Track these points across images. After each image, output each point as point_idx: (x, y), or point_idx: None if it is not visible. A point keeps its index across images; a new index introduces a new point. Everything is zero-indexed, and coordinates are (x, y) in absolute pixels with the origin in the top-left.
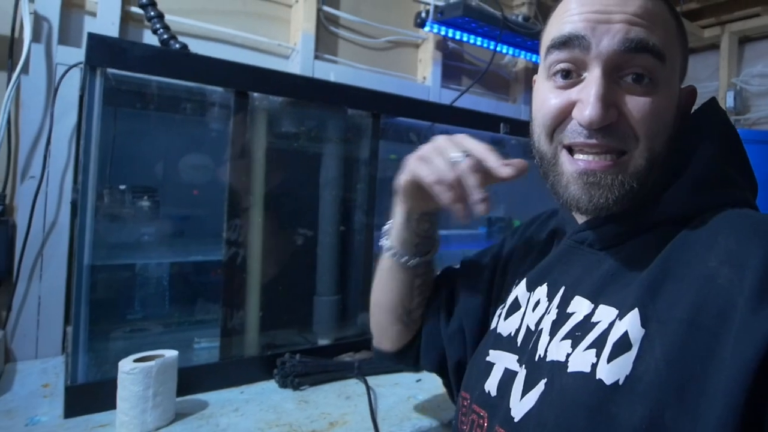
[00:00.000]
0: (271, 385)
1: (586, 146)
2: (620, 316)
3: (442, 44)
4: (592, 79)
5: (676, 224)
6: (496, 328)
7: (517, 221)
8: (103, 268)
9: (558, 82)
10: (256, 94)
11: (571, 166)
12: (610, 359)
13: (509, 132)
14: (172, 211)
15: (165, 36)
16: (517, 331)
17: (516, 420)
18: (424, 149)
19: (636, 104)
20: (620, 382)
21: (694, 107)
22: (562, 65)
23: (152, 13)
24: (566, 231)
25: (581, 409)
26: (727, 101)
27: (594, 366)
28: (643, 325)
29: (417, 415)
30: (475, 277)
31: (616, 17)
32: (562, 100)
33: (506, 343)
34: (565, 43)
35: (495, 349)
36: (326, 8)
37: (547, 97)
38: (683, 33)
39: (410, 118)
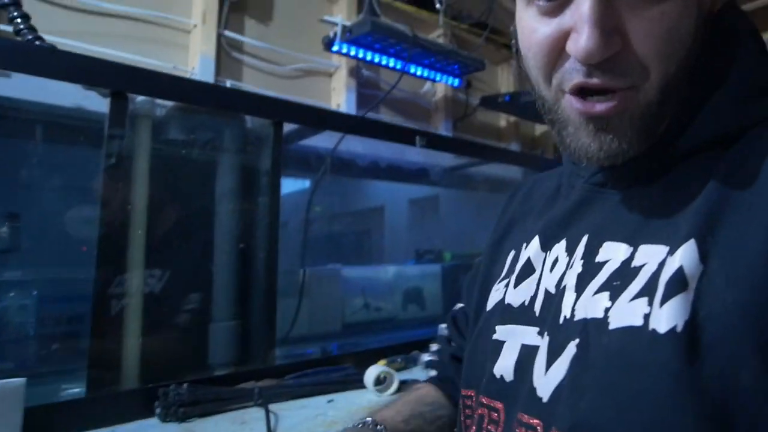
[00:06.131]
0: (152, 421)
1: (587, 87)
2: (671, 252)
3: (355, 71)
4: None
5: (720, 146)
6: (503, 299)
7: (448, 254)
8: None
9: (541, 5)
10: (138, 99)
11: (574, 111)
12: (663, 302)
13: (426, 145)
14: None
15: (29, 36)
16: (533, 298)
17: (545, 399)
18: None
19: (644, 25)
20: (678, 329)
21: None
22: None
23: (15, 13)
24: (576, 180)
25: (633, 371)
26: None
27: (647, 316)
28: (701, 260)
29: (324, 429)
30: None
31: None
32: (551, 31)
33: (519, 315)
34: None
35: (504, 323)
36: (228, 33)
37: (532, 28)
38: None
39: (318, 129)
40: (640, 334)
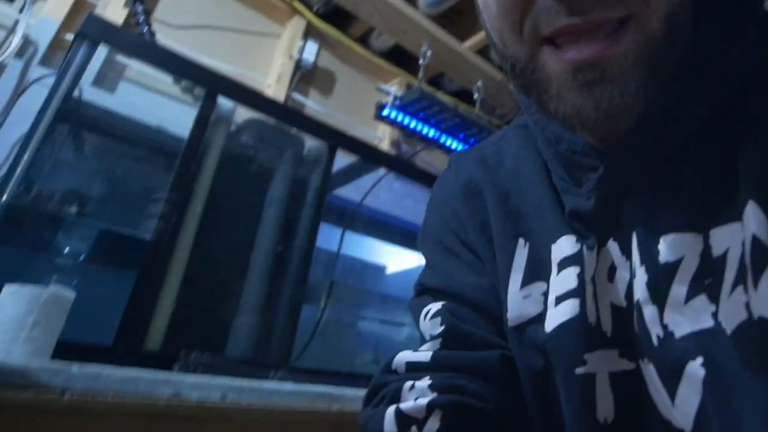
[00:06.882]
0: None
1: (569, 30)
2: (743, 225)
3: (396, 143)
4: None
5: (740, 94)
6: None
7: None
8: None
9: None
10: (222, 107)
11: (558, 63)
12: (756, 282)
13: None
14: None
15: (145, 28)
16: (597, 315)
17: (688, 431)
18: None
19: None
20: None
21: None
22: None
23: (140, 8)
24: (578, 173)
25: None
26: None
27: (747, 305)
28: None
29: None
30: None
31: None
32: None
33: (599, 337)
34: None
35: (593, 350)
36: (295, 95)
37: None
38: None
39: (365, 161)
40: (750, 328)
